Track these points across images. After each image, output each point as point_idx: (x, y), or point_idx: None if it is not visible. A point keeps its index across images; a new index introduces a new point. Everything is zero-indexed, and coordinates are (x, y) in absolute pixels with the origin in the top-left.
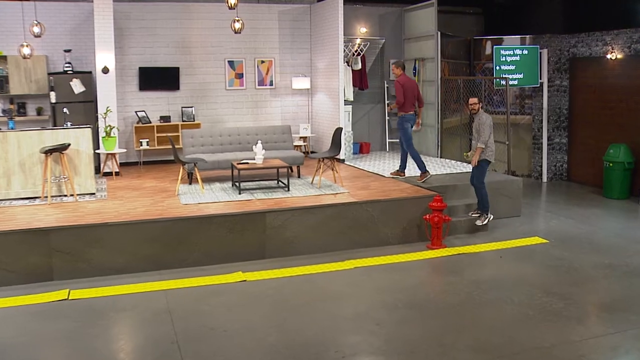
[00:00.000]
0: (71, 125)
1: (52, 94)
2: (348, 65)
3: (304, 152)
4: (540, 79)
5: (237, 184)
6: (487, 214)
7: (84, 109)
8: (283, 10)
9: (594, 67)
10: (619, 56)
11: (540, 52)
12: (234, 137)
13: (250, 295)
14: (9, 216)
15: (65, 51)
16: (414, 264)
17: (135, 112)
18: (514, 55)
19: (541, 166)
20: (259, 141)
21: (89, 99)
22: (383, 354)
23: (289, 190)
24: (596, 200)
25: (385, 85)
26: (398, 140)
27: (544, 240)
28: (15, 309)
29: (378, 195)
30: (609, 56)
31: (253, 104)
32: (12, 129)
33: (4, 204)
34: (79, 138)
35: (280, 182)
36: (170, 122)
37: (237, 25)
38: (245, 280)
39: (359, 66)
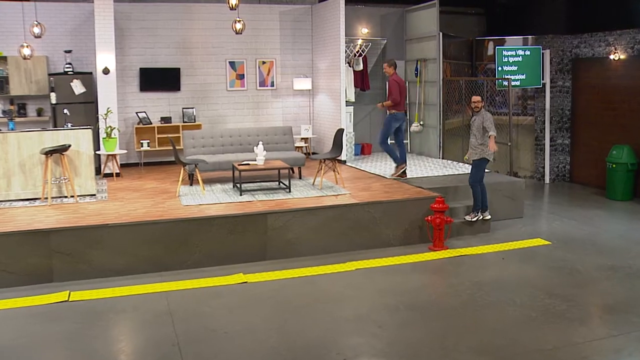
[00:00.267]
0: (71, 126)
1: (53, 95)
2: (349, 66)
3: (305, 153)
4: (543, 79)
5: (238, 185)
6: (477, 212)
7: (85, 110)
8: (284, 10)
9: (597, 67)
10: (622, 57)
11: (543, 53)
12: (235, 138)
13: (251, 296)
14: (9, 217)
15: (66, 52)
16: (416, 265)
17: (136, 113)
18: (516, 55)
19: (544, 167)
20: (260, 142)
21: (90, 100)
22: (385, 356)
23: (290, 191)
24: (599, 201)
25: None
26: (394, 140)
27: (547, 242)
28: (15, 311)
29: (380, 197)
30: (611, 57)
31: (254, 104)
32: (13, 129)
33: (4, 205)
34: (79, 139)
35: (281, 184)
36: (171, 123)
37: (238, 26)
38: (246, 282)
39: (361, 67)
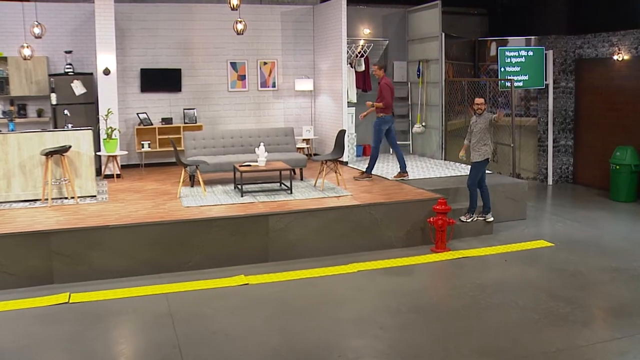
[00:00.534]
0: (72, 127)
1: (53, 96)
2: (351, 67)
3: (306, 155)
4: (546, 80)
5: (239, 186)
6: (472, 213)
7: (85, 111)
8: (286, 11)
9: (600, 68)
10: (626, 57)
11: (546, 54)
12: (236, 139)
13: (253, 298)
14: (9, 219)
15: (66, 52)
16: (418, 267)
17: (137, 113)
18: (519, 56)
19: (547, 169)
20: (262, 143)
21: (90, 101)
22: (387, 358)
23: (291, 192)
24: (602, 203)
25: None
26: (390, 142)
27: (550, 244)
28: (15, 313)
29: (381, 198)
30: (615, 57)
31: (255, 105)
32: (13, 130)
33: (4, 207)
34: (79, 140)
35: (282, 185)
36: (172, 124)
37: (240, 27)
38: (247, 284)
39: (363, 68)
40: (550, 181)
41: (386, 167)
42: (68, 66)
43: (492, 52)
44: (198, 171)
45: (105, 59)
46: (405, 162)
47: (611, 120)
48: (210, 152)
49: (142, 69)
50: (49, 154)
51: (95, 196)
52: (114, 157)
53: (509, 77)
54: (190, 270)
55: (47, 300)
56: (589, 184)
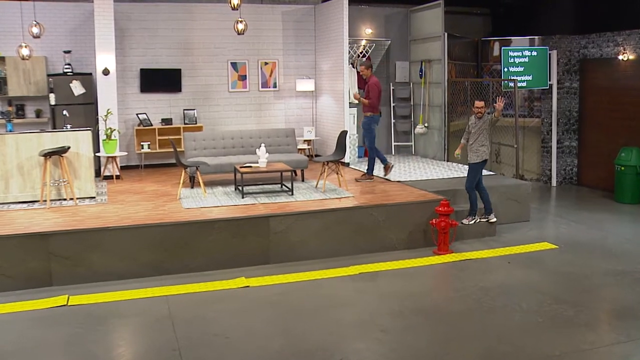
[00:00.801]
0: (71, 127)
1: (52, 96)
2: (353, 67)
3: (308, 156)
4: (550, 80)
5: (240, 187)
6: (474, 216)
7: (84, 111)
8: (287, 11)
9: (605, 68)
10: (631, 57)
11: (550, 54)
12: (236, 140)
13: (254, 301)
14: (7, 220)
15: (65, 52)
16: (420, 269)
17: (137, 114)
18: (523, 56)
19: (550, 170)
20: (263, 144)
21: (89, 101)
22: None
23: (293, 194)
24: (607, 204)
25: (391, 87)
26: (364, 141)
27: (554, 246)
28: (13, 315)
29: (383, 200)
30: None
31: (256, 106)
32: (11, 131)
33: (2, 208)
34: (78, 141)
35: (284, 186)
36: (172, 124)
37: (240, 26)
38: (248, 286)
39: None
40: (554, 182)
41: None
42: (67, 66)
43: (496, 52)
44: (198, 172)
45: (105, 59)
46: (374, 167)
47: (616, 121)
48: (210, 153)
49: (141, 69)
50: (48, 154)
51: (94, 197)
52: (114, 158)
53: (512, 78)
54: (191, 273)
55: (46, 302)
56: (593, 185)
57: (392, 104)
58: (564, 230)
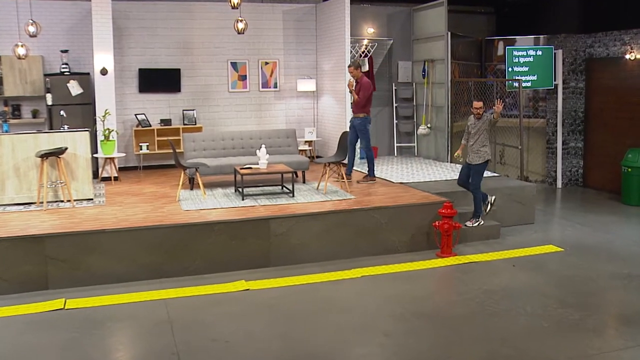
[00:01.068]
0: (68, 128)
1: (49, 96)
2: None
3: (309, 157)
4: (555, 80)
5: (240, 189)
6: (478, 218)
7: (82, 112)
8: (287, 10)
9: (612, 67)
10: (639, 56)
11: (555, 53)
12: (236, 141)
13: (254, 304)
14: (2, 222)
15: (62, 51)
16: (423, 272)
17: (135, 115)
18: (527, 56)
19: (556, 171)
20: (263, 145)
21: (87, 101)
22: None
23: (293, 196)
24: (614, 206)
25: (394, 87)
26: (351, 141)
27: (559, 249)
28: (8, 319)
29: (386, 202)
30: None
31: (257, 106)
32: (7, 132)
33: None
34: (76, 142)
35: (284, 188)
36: (171, 125)
37: (240, 26)
38: (248, 289)
39: (366, 68)
40: (559, 184)
41: (391, 170)
42: (64, 66)
43: (500, 52)
44: (198, 174)
45: (103, 58)
46: (352, 169)
47: (623, 121)
48: (210, 154)
49: (140, 69)
50: (45, 156)
51: (92, 199)
52: (112, 159)
53: (516, 78)
54: (190, 276)
55: (42, 306)
56: (599, 187)
57: (394, 105)
58: (570, 233)
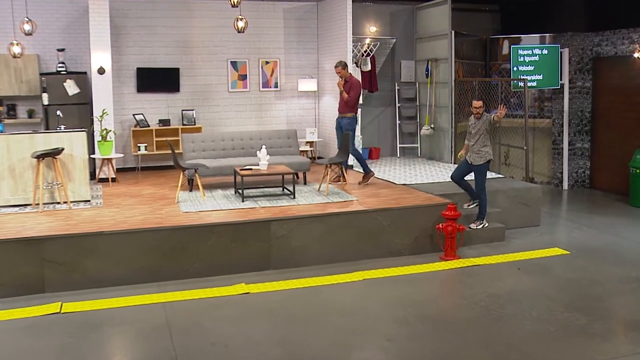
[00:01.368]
0: (65, 128)
1: (45, 96)
2: (357, 67)
3: (310, 158)
4: (561, 80)
5: (240, 191)
6: (483, 220)
7: (79, 112)
8: (288, 8)
9: (620, 67)
10: None
11: (561, 52)
12: (236, 142)
13: (254, 308)
14: None
15: (59, 50)
16: (427, 275)
17: (133, 115)
18: (533, 55)
19: (562, 172)
20: (263, 146)
21: (84, 101)
22: None
23: (294, 197)
24: (621, 208)
25: (397, 87)
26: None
27: (565, 252)
28: (4, 323)
29: (388, 203)
30: (636, 55)
31: (257, 106)
32: (2, 132)
33: None
34: (73, 142)
35: (285, 189)
36: (169, 125)
37: (241, 24)
38: (248, 293)
39: (369, 67)
40: (565, 186)
41: (393, 171)
42: (60, 65)
43: (505, 51)
44: (197, 175)
45: (100, 57)
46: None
47: (631, 121)
48: (209, 155)
49: (138, 68)
50: (41, 156)
51: (89, 201)
52: (109, 160)
53: (522, 77)
54: (189, 279)
55: (38, 310)
56: (606, 188)
57: (397, 105)
58: (576, 235)
